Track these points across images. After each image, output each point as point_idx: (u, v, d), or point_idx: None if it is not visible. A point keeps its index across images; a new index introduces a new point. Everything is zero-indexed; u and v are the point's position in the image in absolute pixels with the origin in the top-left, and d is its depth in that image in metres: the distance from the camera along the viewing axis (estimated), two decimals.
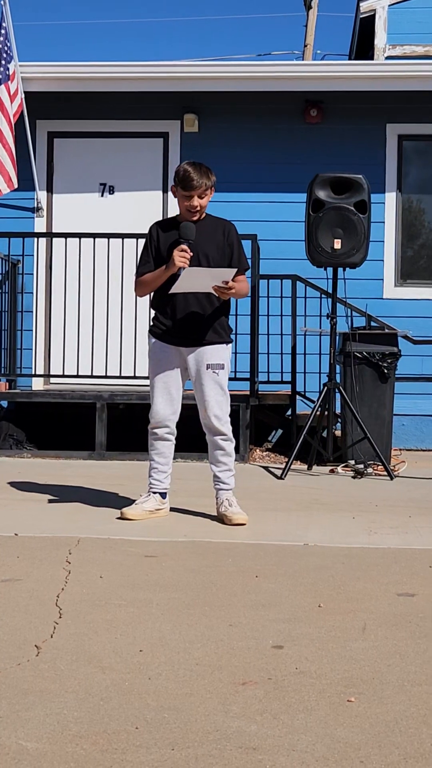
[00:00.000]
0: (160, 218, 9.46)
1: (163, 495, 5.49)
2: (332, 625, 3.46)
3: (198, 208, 5.30)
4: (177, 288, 5.21)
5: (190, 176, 5.23)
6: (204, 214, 5.40)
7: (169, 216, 5.57)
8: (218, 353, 5.39)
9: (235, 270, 5.27)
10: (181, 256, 5.18)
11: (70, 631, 3.34)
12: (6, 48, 8.82)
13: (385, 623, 3.49)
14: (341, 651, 3.17)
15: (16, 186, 8.93)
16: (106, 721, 2.56)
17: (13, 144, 8.84)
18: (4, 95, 8.74)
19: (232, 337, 5.55)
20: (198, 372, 5.37)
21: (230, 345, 5.49)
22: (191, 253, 5.22)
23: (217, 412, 5.38)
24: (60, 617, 3.50)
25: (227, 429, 5.41)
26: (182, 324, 5.34)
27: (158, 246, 5.38)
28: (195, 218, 5.33)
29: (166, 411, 5.39)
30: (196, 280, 5.20)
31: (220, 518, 5.39)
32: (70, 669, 2.96)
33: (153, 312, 5.53)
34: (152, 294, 5.52)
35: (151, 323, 5.50)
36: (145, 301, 8.64)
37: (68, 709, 2.64)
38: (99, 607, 3.64)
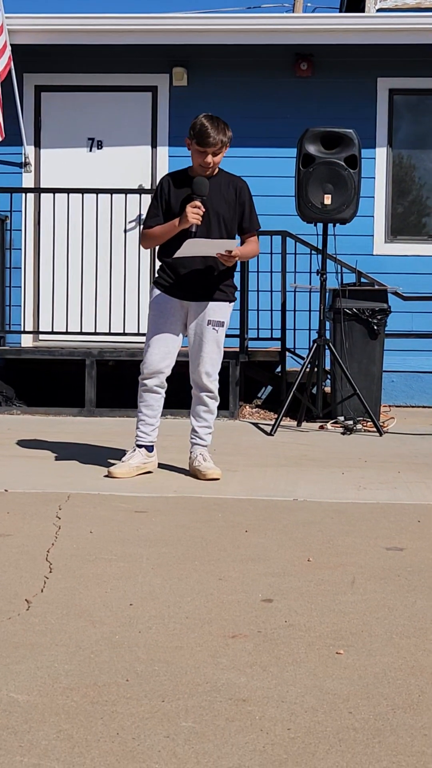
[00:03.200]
0: (149, 173, 9.47)
1: (149, 448, 5.47)
2: (321, 578, 3.48)
3: (211, 165, 5.22)
4: (179, 254, 5.18)
5: (207, 132, 5.10)
6: (217, 170, 5.31)
7: (179, 169, 5.47)
8: (221, 310, 5.37)
9: (237, 241, 5.24)
10: (194, 212, 5.12)
11: (61, 585, 3.36)
12: None
13: (373, 577, 3.51)
14: (330, 604, 3.19)
15: (2, 137, 8.82)
16: (97, 674, 2.58)
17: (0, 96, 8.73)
18: None
19: (236, 295, 5.52)
20: (198, 326, 5.34)
21: (233, 303, 5.47)
22: (204, 209, 5.17)
23: (209, 368, 5.37)
24: (50, 572, 3.51)
25: (215, 387, 5.41)
26: (188, 278, 5.30)
27: (169, 199, 5.29)
28: (207, 173, 5.26)
29: (160, 363, 5.35)
30: (198, 248, 5.18)
31: (193, 473, 5.39)
32: (60, 623, 2.97)
33: (159, 264, 5.47)
34: (158, 246, 5.44)
35: (156, 275, 5.46)
36: (134, 257, 8.61)
37: (59, 662, 2.66)
38: (89, 562, 3.65)
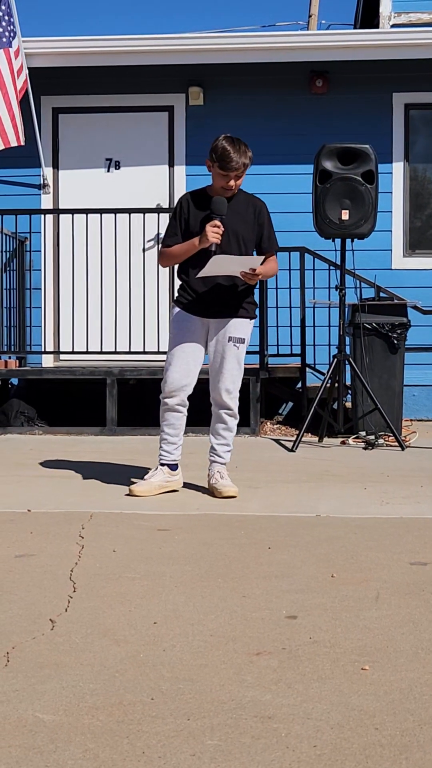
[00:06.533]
0: (167, 192, 9.52)
1: (172, 467, 5.47)
2: (345, 594, 3.47)
3: (233, 188, 5.25)
4: (204, 273, 5.20)
5: (230, 156, 5.11)
6: (237, 190, 5.34)
7: (198, 188, 5.48)
8: (242, 327, 5.38)
9: (263, 258, 5.27)
10: (213, 231, 5.14)
11: (84, 604, 3.36)
12: (9, 22, 8.75)
13: (398, 592, 3.50)
14: (355, 620, 3.18)
15: (20, 143, 8.84)
16: (122, 693, 2.57)
17: (17, 101, 8.74)
18: (9, 55, 8.67)
19: (256, 312, 5.53)
20: (219, 343, 5.35)
21: (253, 321, 5.48)
22: (223, 229, 5.19)
23: (230, 386, 5.37)
24: (74, 591, 3.52)
25: (234, 405, 5.41)
26: (209, 296, 5.31)
27: (188, 219, 5.32)
28: (228, 195, 5.28)
29: (181, 381, 5.36)
30: (223, 265, 5.20)
31: (211, 490, 5.39)
32: (84, 642, 2.97)
33: (180, 282, 5.49)
34: (177, 265, 5.46)
35: (177, 293, 5.47)
36: (152, 275, 8.64)
37: (84, 681, 2.66)
38: (112, 581, 3.65)
